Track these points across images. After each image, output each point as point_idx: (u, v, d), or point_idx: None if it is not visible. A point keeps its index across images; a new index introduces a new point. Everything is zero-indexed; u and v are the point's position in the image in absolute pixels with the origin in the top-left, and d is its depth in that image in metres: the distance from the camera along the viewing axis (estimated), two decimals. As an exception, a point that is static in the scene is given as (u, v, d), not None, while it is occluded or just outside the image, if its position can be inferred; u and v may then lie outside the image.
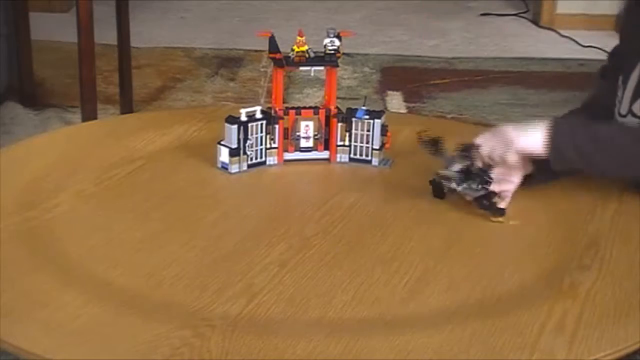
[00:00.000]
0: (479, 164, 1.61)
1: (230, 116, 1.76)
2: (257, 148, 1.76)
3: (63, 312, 1.32)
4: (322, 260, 1.47)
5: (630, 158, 1.62)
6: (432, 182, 1.65)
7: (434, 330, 1.30)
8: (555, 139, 1.59)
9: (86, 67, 3.29)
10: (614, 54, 1.91)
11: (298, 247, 1.50)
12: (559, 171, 1.63)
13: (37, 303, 1.34)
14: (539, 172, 1.67)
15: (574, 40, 4.70)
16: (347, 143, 1.80)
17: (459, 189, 1.60)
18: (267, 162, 1.78)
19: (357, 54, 4.44)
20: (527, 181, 1.67)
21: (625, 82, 1.77)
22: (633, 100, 1.74)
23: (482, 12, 5.22)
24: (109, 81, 3.94)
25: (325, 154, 1.81)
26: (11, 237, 1.51)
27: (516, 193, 1.69)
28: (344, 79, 4.13)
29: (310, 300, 1.36)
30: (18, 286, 1.38)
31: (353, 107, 1.81)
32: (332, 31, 1.77)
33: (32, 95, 3.85)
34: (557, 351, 1.26)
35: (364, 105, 1.80)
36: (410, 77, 4.30)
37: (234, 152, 1.74)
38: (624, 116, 1.75)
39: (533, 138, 1.61)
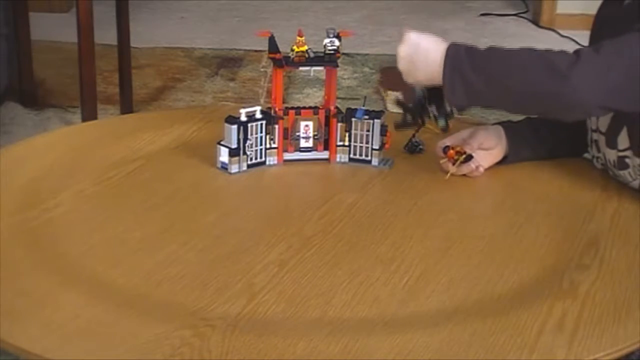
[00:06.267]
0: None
1: (230, 116, 1.76)
2: (256, 148, 1.76)
3: (63, 312, 1.32)
4: (322, 260, 1.47)
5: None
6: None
7: (434, 330, 1.30)
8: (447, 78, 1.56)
9: (86, 67, 3.29)
10: None
11: (298, 246, 1.50)
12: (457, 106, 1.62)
13: (37, 303, 1.34)
14: (511, 154, 1.77)
15: (574, 40, 4.69)
16: (346, 143, 1.80)
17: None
18: (267, 162, 1.78)
19: (357, 54, 4.44)
20: (501, 161, 1.77)
21: None
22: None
23: (482, 12, 5.22)
24: (109, 81, 3.94)
25: (325, 154, 1.81)
26: (11, 237, 1.51)
27: (516, 192, 1.69)
28: (344, 79, 4.13)
29: (310, 300, 1.36)
30: (18, 286, 1.38)
31: (353, 107, 1.81)
32: (331, 31, 1.77)
33: (32, 95, 3.85)
34: (557, 350, 1.26)
35: (363, 105, 1.80)
36: (410, 77, 4.29)
37: (233, 152, 1.74)
38: (595, 131, 1.73)
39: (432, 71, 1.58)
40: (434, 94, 1.63)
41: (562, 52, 1.55)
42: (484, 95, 1.58)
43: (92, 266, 1.44)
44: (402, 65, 1.62)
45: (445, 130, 1.67)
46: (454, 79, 1.55)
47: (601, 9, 1.79)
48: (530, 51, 1.56)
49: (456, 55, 1.56)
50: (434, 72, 1.57)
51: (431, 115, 1.66)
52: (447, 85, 1.56)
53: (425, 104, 1.65)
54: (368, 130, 1.78)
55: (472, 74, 1.55)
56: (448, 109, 1.64)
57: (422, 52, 1.59)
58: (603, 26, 1.76)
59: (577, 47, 1.60)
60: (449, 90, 1.57)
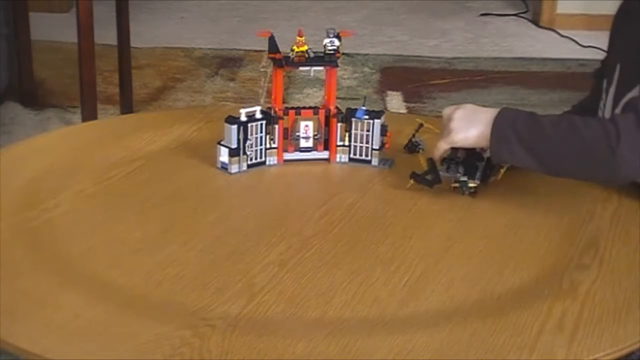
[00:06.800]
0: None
1: (230, 116, 1.76)
2: (256, 148, 1.76)
3: (63, 312, 1.32)
4: (321, 260, 1.47)
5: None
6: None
7: (433, 330, 1.30)
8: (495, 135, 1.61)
9: (86, 67, 3.29)
10: (603, 61, 1.91)
11: (298, 247, 1.50)
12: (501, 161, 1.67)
13: (37, 303, 1.34)
14: None
15: (573, 40, 4.70)
16: (346, 143, 1.80)
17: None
18: (267, 162, 1.78)
19: (357, 54, 4.45)
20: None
21: (607, 89, 1.77)
22: (614, 108, 1.72)
23: (482, 12, 5.22)
24: (109, 81, 3.95)
25: (324, 154, 1.81)
26: (11, 237, 1.51)
27: (516, 192, 1.69)
28: (344, 79, 4.13)
29: (310, 300, 1.36)
30: (18, 286, 1.38)
31: (353, 107, 1.81)
32: (331, 31, 1.77)
33: (32, 95, 3.85)
34: (557, 350, 1.26)
35: (363, 105, 1.80)
36: (410, 77, 4.30)
37: (233, 152, 1.74)
38: None
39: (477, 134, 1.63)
40: (467, 160, 1.69)
41: (602, 127, 1.55)
42: (525, 163, 1.62)
43: (92, 266, 1.44)
44: (455, 123, 1.65)
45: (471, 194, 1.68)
46: (500, 146, 1.61)
47: (622, 7, 1.81)
48: (571, 129, 1.58)
49: (502, 126, 1.61)
50: (486, 132, 1.61)
51: (457, 174, 1.69)
52: (493, 148, 1.62)
53: (456, 165, 1.70)
54: (368, 130, 1.78)
55: (518, 147, 1.59)
56: (473, 179, 1.68)
57: (481, 112, 1.64)
58: (621, 25, 1.79)
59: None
60: (495, 154, 1.63)
